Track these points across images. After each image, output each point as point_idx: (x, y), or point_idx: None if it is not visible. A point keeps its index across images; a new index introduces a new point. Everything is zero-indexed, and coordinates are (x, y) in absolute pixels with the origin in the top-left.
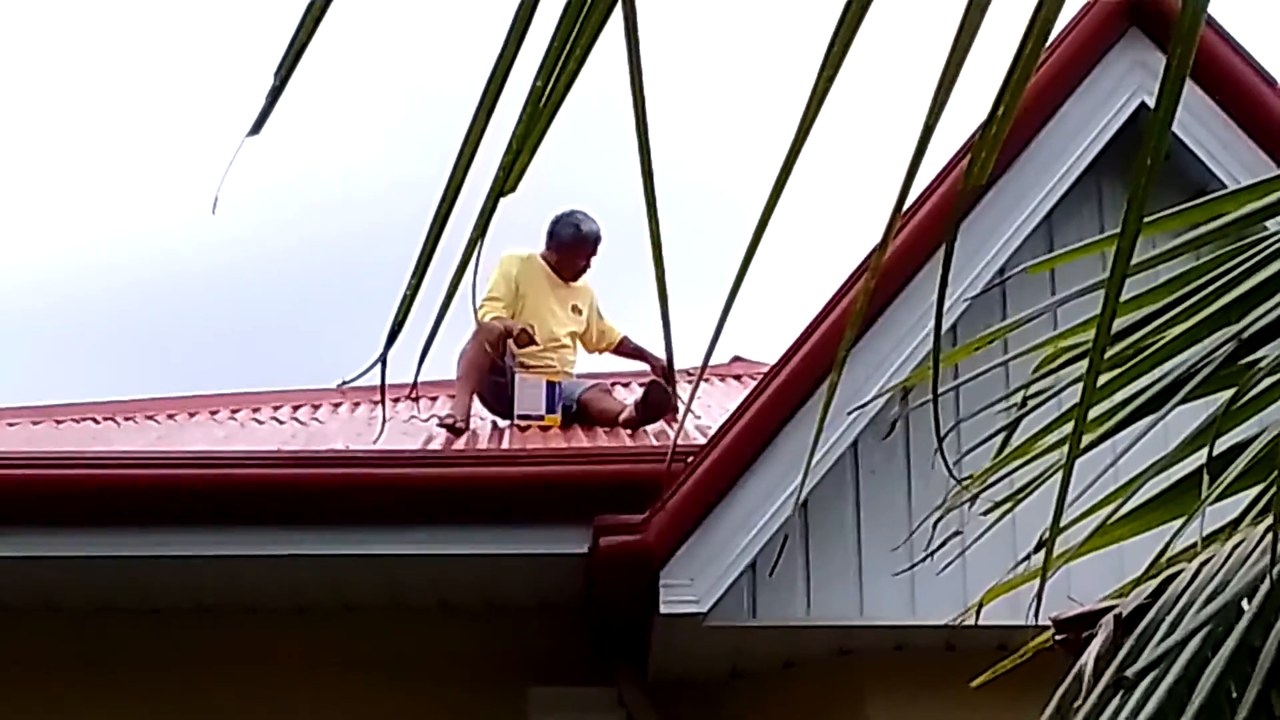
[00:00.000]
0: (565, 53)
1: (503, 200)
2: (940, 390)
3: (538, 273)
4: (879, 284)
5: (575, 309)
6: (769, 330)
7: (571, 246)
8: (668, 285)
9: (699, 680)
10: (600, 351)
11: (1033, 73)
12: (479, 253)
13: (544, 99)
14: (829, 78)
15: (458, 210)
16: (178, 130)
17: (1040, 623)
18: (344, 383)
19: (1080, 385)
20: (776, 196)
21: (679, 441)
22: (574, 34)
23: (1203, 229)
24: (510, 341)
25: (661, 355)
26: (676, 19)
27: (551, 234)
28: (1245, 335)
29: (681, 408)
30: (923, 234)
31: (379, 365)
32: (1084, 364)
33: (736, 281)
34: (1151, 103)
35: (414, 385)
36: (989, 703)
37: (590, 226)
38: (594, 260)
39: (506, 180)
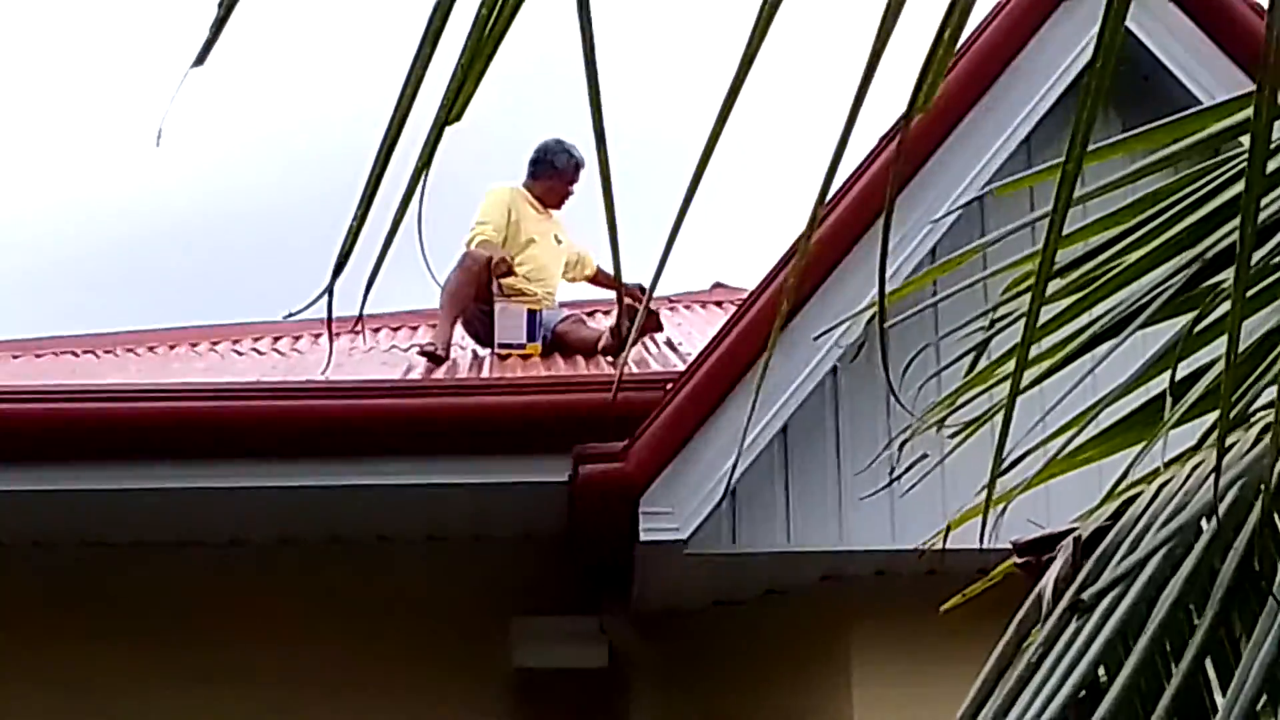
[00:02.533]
0: None
1: (448, 130)
2: (912, 311)
3: (523, 203)
4: (854, 215)
5: (557, 238)
6: (751, 256)
7: (563, 175)
8: (616, 213)
9: (682, 609)
10: (576, 280)
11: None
12: (424, 183)
13: (489, 27)
14: None
15: (408, 145)
16: (150, 67)
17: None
18: (290, 314)
19: (1051, 306)
20: (725, 116)
21: (661, 369)
22: None
23: (1173, 147)
24: (491, 268)
25: (635, 284)
26: None
27: (541, 162)
28: (1208, 257)
29: (631, 333)
30: (907, 157)
31: (326, 298)
32: (1055, 283)
33: (684, 204)
34: (1131, 25)
35: (359, 318)
36: (969, 627)
37: (580, 156)
38: (575, 189)
39: (451, 110)
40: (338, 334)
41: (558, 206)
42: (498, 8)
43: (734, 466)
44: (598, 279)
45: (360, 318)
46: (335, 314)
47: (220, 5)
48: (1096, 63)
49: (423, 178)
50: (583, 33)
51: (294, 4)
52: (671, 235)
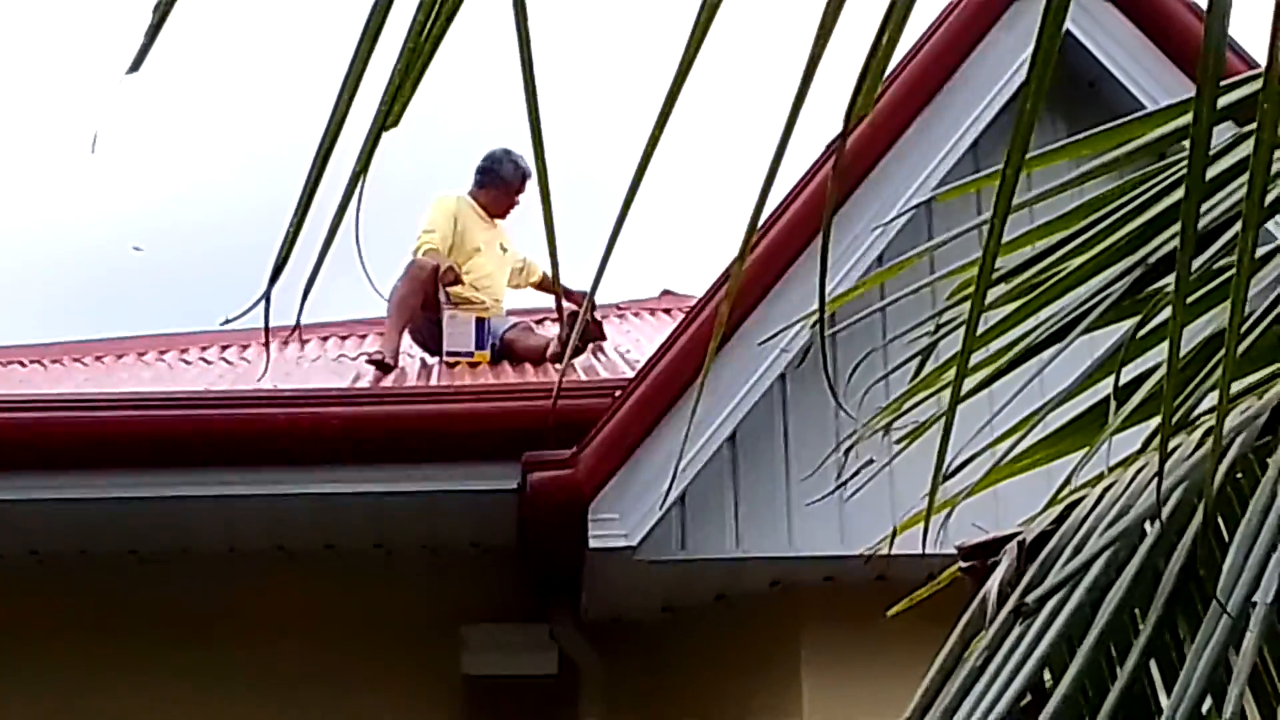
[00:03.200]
0: None
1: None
2: (859, 315)
3: (469, 212)
4: (802, 220)
5: (502, 247)
6: (700, 264)
7: (509, 185)
8: (555, 220)
9: (632, 617)
10: (522, 287)
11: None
12: (361, 188)
13: (425, 32)
14: None
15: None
16: (89, 73)
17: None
18: (225, 321)
19: (997, 311)
20: (663, 120)
21: (609, 376)
22: None
23: (1116, 152)
24: (438, 277)
25: (579, 290)
26: None
27: (488, 171)
28: (1150, 262)
29: (571, 342)
30: (853, 162)
31: (263, 305)
32: (1001, 289)
33: (622, 209)
34: (1076, 31)
35: (296, 325)
36: (918, 632)
37: (527, 164)
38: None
39: (389, 115)
40: (280, 342)
41: (503, 216)
42: (435, 10)
43: (674, 472)
44: (543, 285)
45: (298, 325)
46: (275, 322)
47: (155, 11)
48: (1036, 62)
49: (360, 182)
50: (519, 36)
51: (237, 8)
52: (610, 241)
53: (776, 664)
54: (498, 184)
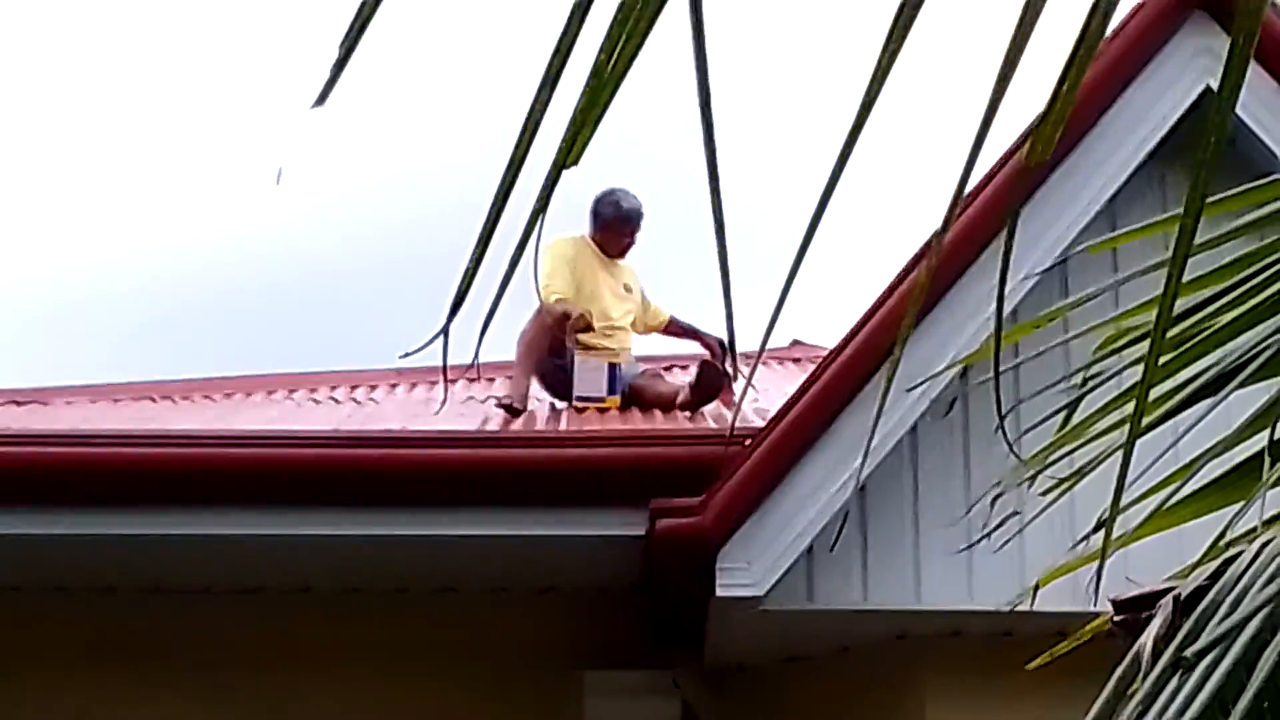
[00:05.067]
0: (629, 25)
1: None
2: (1000, 369)
3: (588, 255)
4: (940, 267)
5: (626, 288)
6: (828, 315)
7: (614, 225)
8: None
9: (755, 665)
10: (648, 332)
11: (1096, 51)
12: (541, 225)
13: (607, 72)
14: (893, 53)
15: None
16: (248, 116)
17: (1098, 607)
18: (406, 354)
19: (1140, 365)
20: (836, 178)
21: (738, 424)
22: (639, 5)
23: (1265, 210)
24: (569, 325)
25: (711, 332)
26: None
27: (595, 214)
28: None
29: (738, 387)
30: (984, 217)
31: (440, 339)
32: (1144, 345)
33: (795, 262)
34: (1215, 87)
35: (474, 360)
36: (1046, 689)
37: (631, 203)
38: (637, 237)
39: (569, 153)
40: (452, 380)
41: (620, 256)
42: (616, 52)
43: (844, 518)
44: (670, 330)
45: (476, 358)
46: (438, 361)
47: (341, 45)
48: (1215, 117)
49: (540, 219)
50: (700, 89)
51: (408, 41)
52: (775, 312)
53: (900, 717)
54: (603, 226)
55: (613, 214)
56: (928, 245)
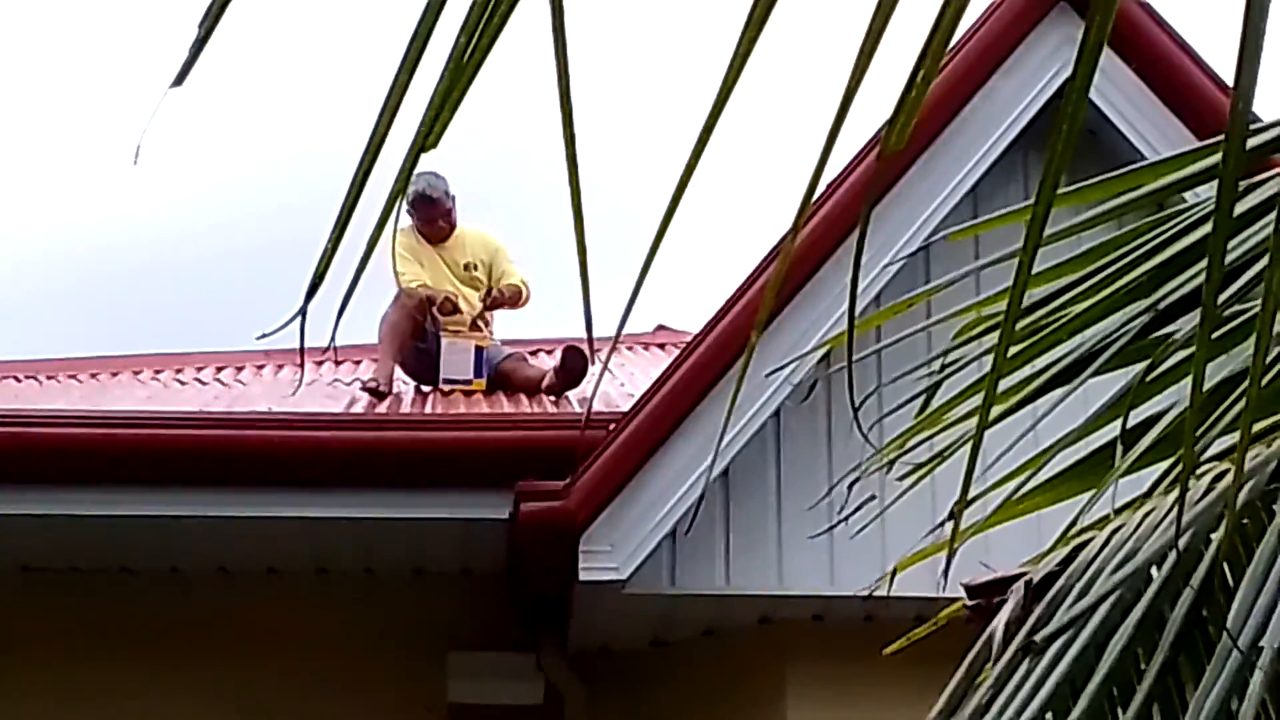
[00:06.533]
0: (489, 9)
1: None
2: (858, 356)
3: (419, 245)
4: (802, 255)
5: (468, 266)
6: (693, 300)
7: (418, 211)
8: (588, 252)
9: (620, 648)
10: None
11: (952, 42)
12: (399, 207)
13: (466, 56)
14: (750, 40)
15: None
16: (115, 100)
17: (955, 593)
18: (263, 335)
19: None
20: (694, 163)
21: (606, 409)
22: None
23: (1122, 199)
24: (433, 309)
25: (508, 296)
26: None
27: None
28: (1160, 307)
29: (594, 372)
30: (845, 206)
31: (299, 320)
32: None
33: (653, 246)
34: None
35: (332, 342)
36: (907, 674)
37: (419, 186)
38: (452, 214)
39: (428, 137)
40: (313, 362)
41: (443, 237)
42: (476, 36)
43: (698, 502)
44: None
45: (333, 340)
46: (296, 343)
47: (201, 25)
48: (1069, 106)
49: (399, 202)
50: (558, 66)
51: (277, 31)
52: (632, 296)
53: (762, 701)
54: (413, 215)
55: (412, 200)
56: (788, 233)
